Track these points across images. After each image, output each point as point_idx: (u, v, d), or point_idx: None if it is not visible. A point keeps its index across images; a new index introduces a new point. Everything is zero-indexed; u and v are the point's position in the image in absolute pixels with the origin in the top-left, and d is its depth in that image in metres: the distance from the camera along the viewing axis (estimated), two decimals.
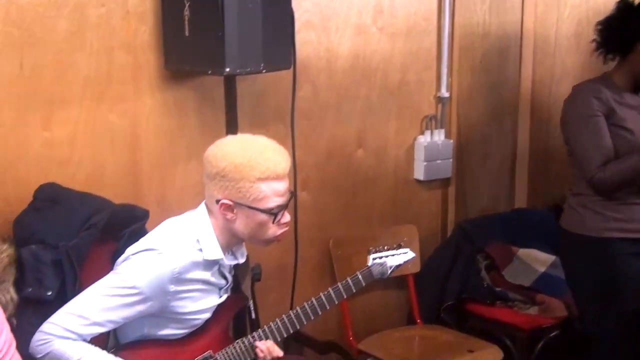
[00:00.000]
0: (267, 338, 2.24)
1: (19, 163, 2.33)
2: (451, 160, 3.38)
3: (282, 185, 2.12)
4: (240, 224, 2.13)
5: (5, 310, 2.03)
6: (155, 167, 2.62)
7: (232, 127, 2.70)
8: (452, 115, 3.38)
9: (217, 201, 2.11)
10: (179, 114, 2.64)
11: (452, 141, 3.37)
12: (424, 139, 3.30)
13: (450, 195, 3.46)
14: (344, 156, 3.13)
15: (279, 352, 2.22)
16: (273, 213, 2.11)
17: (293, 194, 2.27)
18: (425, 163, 3.29)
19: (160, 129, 2.61)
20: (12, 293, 2.11)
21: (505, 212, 3.59)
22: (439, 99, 3.33)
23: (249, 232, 2.15)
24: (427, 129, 3.32)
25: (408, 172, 3.33)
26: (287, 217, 2.17)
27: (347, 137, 3.12)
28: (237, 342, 2.23)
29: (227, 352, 2.21)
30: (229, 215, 2.11)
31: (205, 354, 2.20)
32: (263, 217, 2.11)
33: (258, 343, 2.20)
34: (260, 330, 2.25)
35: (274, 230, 2.16)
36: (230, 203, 2.10)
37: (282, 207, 2.14)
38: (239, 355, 2.22)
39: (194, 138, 2.68)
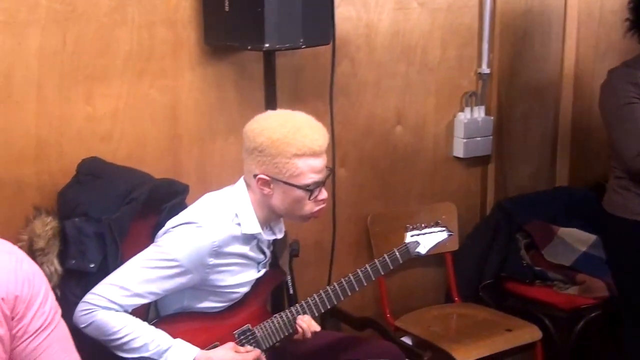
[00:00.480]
0: (304, 313, 2.25)
1: (62, 137, 2.36)
2: (491, 137, 3.34)
3: (319, 162, 2.12)
4: (277, 199, 2.14)
5: (49, 281, 2.06)
6: (194, 142, 2.64)
7: (270, 103, 2.70)
8: (492, 91, 3.33)
9: (255, 176, 2.11)
10: (218, 90, 2.65)
11: (492, 118, 3.33)
12: (464, 116, 3.26)
13: (489, 173, 3.42)
14: (382, 133, 3.11)
15: (317, 327, 2.23)
16: (309, 189, 2.11)
17: (331, 171, 2.26)
18: (464, 140, 3.25)
19: (200, 105, 2.62)
20: (56, 265, 2.15)
21: (545, 190, 3.54)
22: (480, 75, 3.29)
23: (286, 208, 2.15)
24: (467, 105, 3.28)
25: (447, 150, 3.30)
26: (324, 194, 2.17)
27: (385, 113, 3.11)
28: (275, 317, 2.25)
29: (265, 327, 2.23)
30: (266, 190, 2.12)
31: (244, 327, 2.22)
32: (299, 193, 2.11)
33: (298, 318, 2.21)
34: (297, 306, 2.26)
35: (310, 207, 2.16)
36: (267, 178, 2.10)
37: (319, 184, 2.14)
38: (276, 330, 2.24)
39: (233, 113, 2.69)
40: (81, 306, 2.02)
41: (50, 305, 1.71)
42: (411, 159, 3.21)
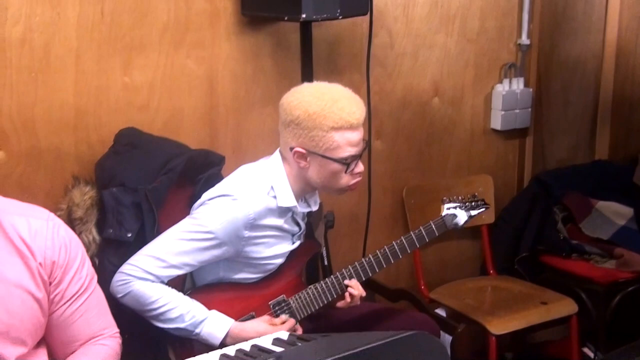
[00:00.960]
0: (339, 285, 2.26)
1: (100, 108, 2.38)
2: (530, 109, 3.29)
3: (356, 135, 2.11)
4: (313, 172, 2.14)
5: (87, 250, 2.11)
6: (230, 113, 2.64)
7: (307, 74, 2.69)
8: (532, 63, 3.28)
9: (291, 149, 2.11)
10: (254, 60, 2.65)
11: (531, 90, 3.28)
12: (502, 88, 3.22)
13: (527, 146, 3.38)
14: (419, 104, 3.08)
15: (363, 293, 2.24)
16: (346, 163, 2.11)
17: (367, 143, 2.25)
18: (502, 112, 3.21)
19: (236, 75, 2.62)
20: (94, 234, 2.18)
21: (584, 163, 3.49)
22: (519, 47, 3.23)
23: (322, 181, 2.15)
24: (505, 77, 3.23)
25: (485, 122, 3.27)
26: (360, 167, 2.17)
27: (422, 85, 3.08)
28: (310, 288, 2.26)
29: (299, 297, 2.25)
30: (302, 163, 2.12)
31: (279, 298, 2.24)
32: (336, 166, 2.11)
33: (348, 284, 2.22)
34: (332, 277, 2.27)
35: (346, 180, 2.16)
36: (304, 151, 2.10)
37: (356, 157, 2.13)
38: (311, 301, 2.25)
39: (269, 84, 2.69)
40: (117, 277, 2.05)
41: (86, 271, 1.75)
42: (448, 131, 3.18)
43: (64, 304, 1.69)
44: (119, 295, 2.04)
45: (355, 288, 2.23)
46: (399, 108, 3.03)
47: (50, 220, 1.72)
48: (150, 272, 2.05)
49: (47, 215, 1.73)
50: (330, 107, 2.06)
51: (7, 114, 2.22)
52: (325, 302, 2.26)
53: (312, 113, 2.06)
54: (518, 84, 3.24)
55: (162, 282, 2.07)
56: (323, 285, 2.26)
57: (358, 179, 2.19)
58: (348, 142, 2.09)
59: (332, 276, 2.28)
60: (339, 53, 2.82)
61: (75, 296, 1.71)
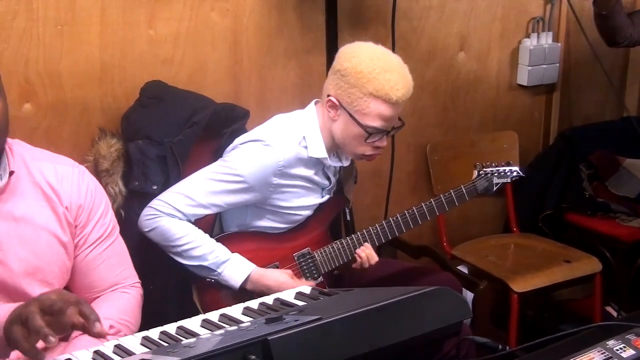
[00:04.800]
0: (365, 242, 2.27)
1: (126, 60, 2.38)
2: (558, 65, 3.24)
3: (390, 111, 2.10)
4: (338, 127, 2.14)
5: (113, 202, 2.14)
6: (254, 66, 2.63)
7: (331, 27, 2.67)
8: (561, 17, 3.22)
9: (328, 96, 2.13)
10: (278, 13, 2.62)
11: (560, 45, 3.22)
12: (530, 42, 3.16)
13: (554, 102, 3.33)
14: (444, 59, 3.05)
15: (376, 258, 2.25)
16: (368, 132, 2.11)
17: (402, 126, 2.23)
18: (529, 68, 3.16)
19: (261, 28, 2.60)
20: (120, 186, 2.21)
21: (613, 120, 3.44)
22: (548, 0, 3.16)
23: (343, 139, 2.16)
24: (533, 31, 3.17)
25: (511, 77, 3.22)
26: (383, 143, 2.17)
27: (448, 39, 3.03)
28: (335, 243, 2.28)
29: (324, 252, 2.26)
30: (332, 113, 2.13)
31: (304, 250, 2.26)
32: (359, 130, 2.11)
33: (358, 250, 2.23)
34: (359, 234, 2.28)
35: (364, 149, 2.16)
36: (337, 103, 2.11)
37: (381, 132, 2.13)
38: (335, 256, 2.27)
39: (293, 38, 2.66)
40: (146, 211, 2.09)
41: (110, 218, 1.79)
42: (473, 86, 3.15)
43: (87, 247, 1.73)
44: (146, 230, 2.08)
45: (364, 250, 2.23)
46: (423, 62, 3.00)
47: (76, 167, 1.76)
48: (179, 209, 2.08)
49: (72, 162, 1.78)
50: (379, 73, 2.06)
51: (34, 66, 2.23)
52: (350, 257, 2.27)
53: (359, 71, 2.07)
54: (546, 39, 3.19)
55: (189, 220, 2.10)
56: (349, 240, 2.27)
57: (377, 152, 2.19)
58: (380, 114, 2.09)
59: (358, 232, 2.28)
60: (364, 6, 2.78)
61: (99, 241, 1.75)
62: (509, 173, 2.39)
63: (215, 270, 2.10)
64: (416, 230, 3.01)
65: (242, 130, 2.34)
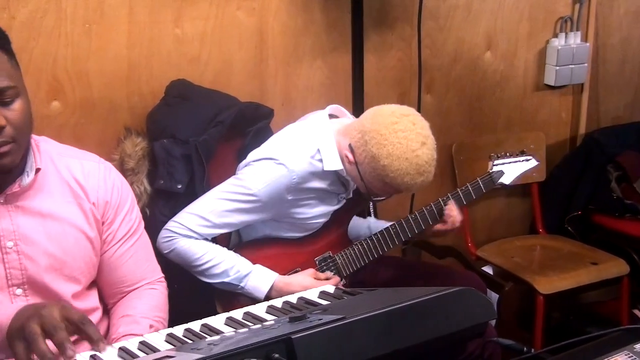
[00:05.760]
0: (385, 241, 2.26)
1: (152, 59, 2.39)
2: (586, 65, 3.20)
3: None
4: (350, 169, 2.13)
5: (139, 200, 2.15)
6: (280, 65, 2.63)
7: (357, 27, 2.66)
8: (590, 16, 3.18)
9: (349, 145, 2.09)
10: (304, 12, 2.62)
11: (588, 44, 3.18)
12: (558, 42, 3.13)
13: (582, 103, 3.30)
14: (470, 59, 3.02)
15: (459, 221, 2.28)
16: (372, 196, 2.18)
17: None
18: (557, 68, 3.13)
19: (286, 27, 2.60)
20: (145, 184, 2.22)
21: None
22: None
23: (351, 177, 2.16)
24: (561, 31, 3.14)
25: (538, 77, 3.19)
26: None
27: (475, 38, 3.01)
28: (356, 244, 2.27)
29: (345, 253, 2.26)
30: (348, 158, 2.10)
31: (325, 254, 2.25)
32: (365, 189, 2.14)
33: (448, 209, 2.26)
34: (378, 233, 2.27)
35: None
36: (353, 161, 2.08)
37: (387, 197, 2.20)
38: (357, 257, 2.26)
39: (319, 37, 2.66)
40: (163, 233, 2.08)
41: (136, 214, 1.80)
42: (500, 86, 3.12)
43: (115, 244, 1.74)
44: (165, 252, 2.08)
45: (452, 212, 2.26)
46: (449, 62, 2.98)
47: (102, 163, 1.78)
48: (194, 230, 2.07)
49: (98, 158, 1.80)
50: (404, 175, 2.01)
51: (62, 64, 2.25)
52: (372, 258, 2.27)
53: (386, 165, 2.01)
54: (575, 39, 3.15)
55: (206, 239, 2.10)
56: (369, 241, 2.26)
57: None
58: (387, 193, 2.14)
59: (378, 233, 2.27)
60: (390, 4, 2.77)
61: (126, 237, 1.76)
62: (524, 163, 2.37)
63: (239, 285, 2.10)
64: None
65: (267, 129, 2.34)
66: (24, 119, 1.53)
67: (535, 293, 2.68)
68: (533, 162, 2.40)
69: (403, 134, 2.01)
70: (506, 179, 2.35)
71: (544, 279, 2.72)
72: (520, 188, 3.16)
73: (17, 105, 1.51)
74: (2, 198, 1.58)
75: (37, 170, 1.63)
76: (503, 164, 2.35)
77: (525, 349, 1.40)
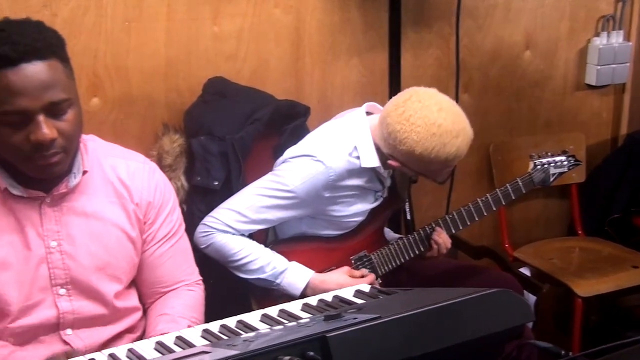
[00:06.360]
0: (421, 240, 2.25)
1: (190, 56, 2.41)
2: (628, 64, 3.14)
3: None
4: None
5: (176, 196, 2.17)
6: (317, 63, 2.63)
7: (394, 25, 2.65)
8: (633, 14, 3.12)
9: (387, 155, 2.10)
10: (341, 10, 2.61)
11: (631, 44, 3.12)
12: (599, 41, 3.08)
13: (624, 103, 3.24)
14: (510, 58, 2.99)
15: (449, 245, 2.25)
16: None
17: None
18: (598, 67, 3.08)
19: (323, 25, 2.60)
20: (182, 181, 2.23)
21: None
22: None
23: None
24: (603, 30, 3.09)
25: (579, 77, 3.14)
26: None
27: (514, 37, 2.97)
28: (392, 243, 2.26)
29: (381, 253, 2.25)
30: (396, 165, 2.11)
31: (360, 253, 2.24)
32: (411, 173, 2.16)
33: (434, 234, 2.22)
34: (415, 233, 2.26)
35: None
36: (399, 164, 2.10)
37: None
38: (393, 256, 2.25)
39: (356, 35, 2.65)
40: (200, 228, 2.09)
41: (177, 215, 1.81)
42: (539, 85, 3.08)
43: (155, 244, 1.75)
44: (202, 246, 2.09)
45: (440, 236, 2.21)
46: (488, 61, 2.95)
47: (147, 164, 1.78)
48: (231, 225, 2.08)
49: (144, 158, 1.80)
50: (441, 149, 2.01)
51: (102, 61, 2.28)
52: (407, 258, 2.25)
53: (420, 154, 2.02)
54: (617, 38, 3.09)
55: (243, 235, 2.10)
56: (405, 241, 2.25)
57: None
58: (448, 166, 2.12)
59: (414, 232, 2.26)
60: (428, 3, 2.75)
61: (166, 238, 1.77)
62: (565, 162, 2.34)
63: (274, 281, 2.10)
64: (477, 231, 3.00)
65: (303, 127, 2.34)
66: (75, 128, 1.54)
67: (574, 296, 2.64)
68: (574, 163, 2.37)
69: (415, 116, 2.01)
70: (546, 179, 2.32)
71: (583, 282, 2.68)
72: (559, 189, 3.12)
73: (69, 115, 1.51)
74: (49, 199, 1.60)
75: (84, 172, 1.64)
76: (543, 164, 2.32)
77: (562, 352, 1.38)
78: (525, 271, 2.91)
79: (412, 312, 1.22)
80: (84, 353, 1.41)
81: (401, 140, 2.01)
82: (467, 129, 2.05)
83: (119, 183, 1.70)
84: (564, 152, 2.38)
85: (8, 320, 1.59)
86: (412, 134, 2.00)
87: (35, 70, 1.45)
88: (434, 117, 2.00)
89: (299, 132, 2.30)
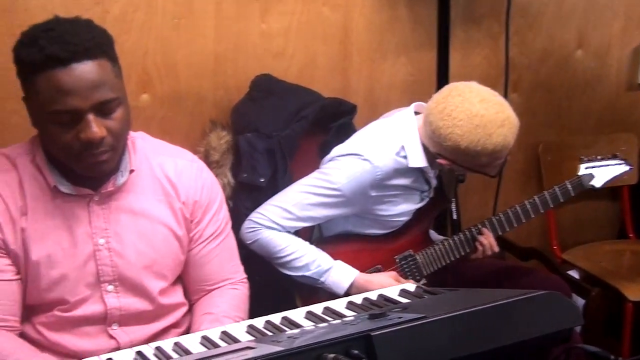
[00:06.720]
0: (467, 242, 2.22)
1: (238, 53, 2.42)
2: None
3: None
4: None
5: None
6: (364, 61, 2.62)
7: (443, 23, 2.63)
8: None
9: (435, 155, 2.08)
10: (390, 8, 2.60)
11: None
12: None
13: None
14: (561, 57, 2.94)
15: (497, 248, 2.22)
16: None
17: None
18: None
19: (371, 23, 2.59)
20: (229, 177, 2.25)
21: None
22: None
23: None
24: None
25: (632, 77, 3.07)
26: None
27: (565, 36, 2.92)
28: (437, 244, 2.24)
29: (427, 253, 2.23)
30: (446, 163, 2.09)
31: (406, 252, 2.23)
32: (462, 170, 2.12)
33: (481, 237, 2.20)
34: (461, 234, 2.24)
35: None
36: (449, 162, 2.08)
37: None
38: (439, 257, 2.23)
39: (404, 33, 2.64)
40: (246, 224, 2.11)
41: (224, 214, 1.81)
42: (591, 85, 3.02)
43: (202, 242, 1.77)
44: (248, 242, 2.10)
45: (487, 238, 2.19)
46: (538, 60, 2.91)
47: (195, 162, 1.79)
48: (277, 222, 2.08)
49: (192, 157, 1.81)
50: (488, 139, 1.98)
51: (152, 58, 2.30)
52: (453, 259, 2.24)
53: (466, 148, 1.99)
54: None
55: (288, 232, 2.11)
56: (451, 242, 2.23)
57: None
58: (499, 159, 2.08)
59: (460, 233, 2.24)
60: (477, 1, 2.72)
61: (213, 236, 1.78)
62: (615, 167, 2.28)
63: (319, 279, 2.10)
64: (525, 232, 2.96)
65: (350, 125, 2.34)
66: (123, 126, 1.56)
67: (624, 300, 2.59)
68: (625, 167, 2.32)
69: (456, 111, 1.99)
70: (596, 183, 2.28)
71: (634, 285, 2.62)
72: (610, 190, 3.05)
73: (117, 114, 1.53)
74: (97, 196, 1.62)
75: (131, 171, 1.66)
76: (593, 167, 2.28)
77: (612, 357, 1.36)
78: (574, 274, 2.86)
79: (458, 313, 1.21)
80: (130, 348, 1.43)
81: (445, 136, 2.00)
82: (511, 118, 2.02)
83: (167, 181, 1.71)
84: (614, 156, 2.33)
85: (57, 312, 1.62)
86: (456, 129, 1.98)
87: (86, 69, 1.47)
88: (475, 109, 1.98)
89: (346, 130, 2.30)
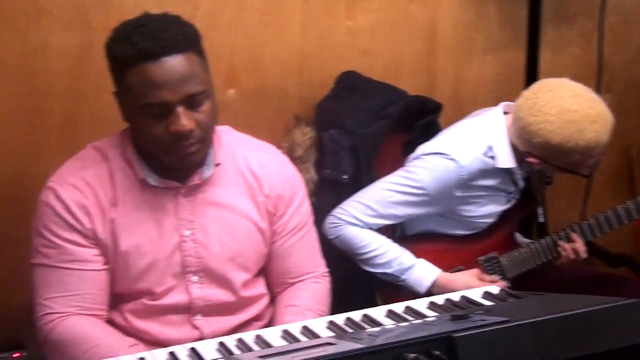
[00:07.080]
0: (554, 246, 2.17)
1: (324, 50, 2.43)
2: None
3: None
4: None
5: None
6: (450, 59, 2.59)
7: (534, 22, 2.57)
8: None
9: (525, 154, 2.05)
10: (478, 6, 2.56)
11: None
12: None
13: None
14: None
15: (584, 255, 2.16)
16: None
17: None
18: None
19: (458, 21, 2.55)
20: (312, 173, 2.26)
21: None
22: None
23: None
24: None
25: None
26: None
27: None
28: (523, 247, 2.19)
29: (511, 256, 2.19)
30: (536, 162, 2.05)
31: (490, 254, 2.19)
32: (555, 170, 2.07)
33: (565, 244, 2.15)
34: (548, 238, 2.18)
35: None
36: (539, 161, 2.04)
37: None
38: (524, 261, 2.18)
39: (492, 32, 2.59)
40: (329, 219, 2.11)
41: (306, 208, 1.83)
42: None
43: (284, 235, 1.78)
44: (331, 237, 2.11)
45: (575, 244, 2.13)
46: (634, 59, 2.81)
47: (278, 156, 1.81)
48: (359, 218, 2.09)
49: (275, 150, 1.83)
50: (580, 136, 1.93)
51: (239, 53, 2.34)
52: (540, 263, 2.18)
53: (558, 144, 1.95)
54: None
55: (370, 229, 2.11)
56: (537, 245, 2.18)
57: None
58: (593, 157, 2.02)
59: (547, 237, 2.18)
60: None
61: (295, 230, 1.79)
62: None
63: (400, 277, 2.09)
64: (615, 237, 2.84)
65: (435, 124, 2.32)
66: (210, 119, 1.58)
67: None
68: None
69: (547, 106, 1.94)
70: None
71: None
72: None
73: (205, 107, 1.56)
74: (184, 189, 1.66)
75: (217, 164, 1.69)
76: None
77: None
78: None
79: (542, 318, 1.18)
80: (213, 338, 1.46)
81: (535, 132, 1.95)
82: (605, 113, 1.96)
83: (250, 175, 1.73)
84: None
85: (145, 300, 1.67)
86: (547, 125, 1.93)
87: (176, 63, 1.50)
88: (567, 104, 1.93)
89: (430, 129, 2.27)
